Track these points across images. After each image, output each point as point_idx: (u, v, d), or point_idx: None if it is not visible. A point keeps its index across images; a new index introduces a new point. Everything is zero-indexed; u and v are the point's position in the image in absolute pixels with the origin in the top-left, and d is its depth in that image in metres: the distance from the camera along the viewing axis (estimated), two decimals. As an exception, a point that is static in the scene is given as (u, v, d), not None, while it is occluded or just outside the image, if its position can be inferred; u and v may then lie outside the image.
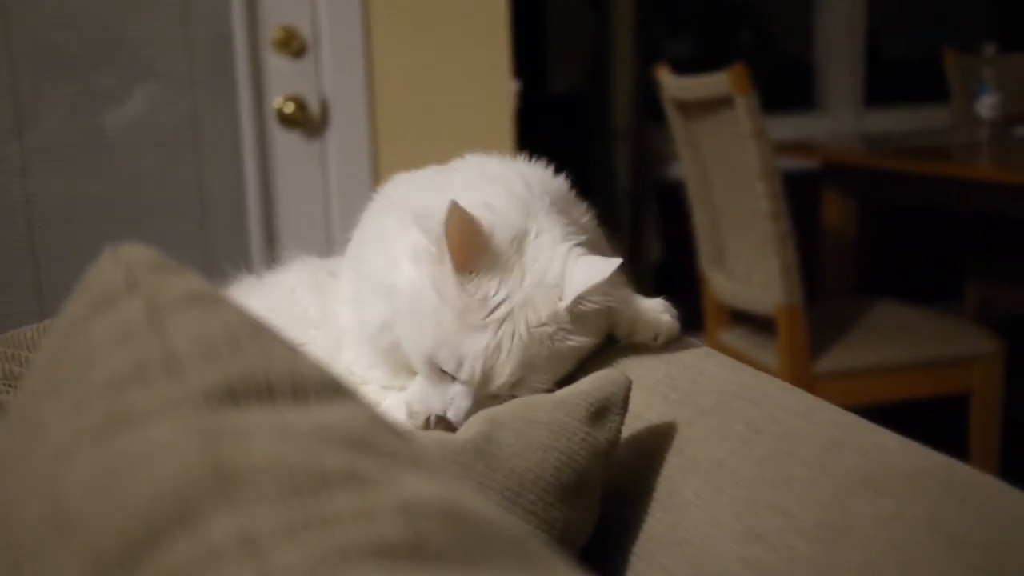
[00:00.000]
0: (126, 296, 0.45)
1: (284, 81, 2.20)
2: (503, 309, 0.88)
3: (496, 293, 0.88)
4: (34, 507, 0.38)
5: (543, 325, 0.89)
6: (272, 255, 1.17)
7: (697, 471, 0.78)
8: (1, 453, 0.44)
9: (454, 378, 0.90)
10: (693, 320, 1.46)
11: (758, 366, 1.03)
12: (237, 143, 2.22)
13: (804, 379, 2.25)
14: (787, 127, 3.51)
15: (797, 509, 0.68)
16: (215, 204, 2.27)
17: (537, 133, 2.36)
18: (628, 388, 0.81)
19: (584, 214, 1.03)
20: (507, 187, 0.95)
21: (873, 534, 0.62)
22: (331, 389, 0.43)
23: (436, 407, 0.91)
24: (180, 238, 2.24)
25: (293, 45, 2.18)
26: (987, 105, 2.90)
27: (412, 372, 0.97)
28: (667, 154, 3.32)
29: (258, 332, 0.44)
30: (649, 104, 3.19)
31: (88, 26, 2.17)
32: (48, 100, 2.19)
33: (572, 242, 0.92)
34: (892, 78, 4.05)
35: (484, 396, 0.90)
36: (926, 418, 1.95)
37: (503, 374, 0.89)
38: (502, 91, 2.27)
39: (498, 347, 0.88)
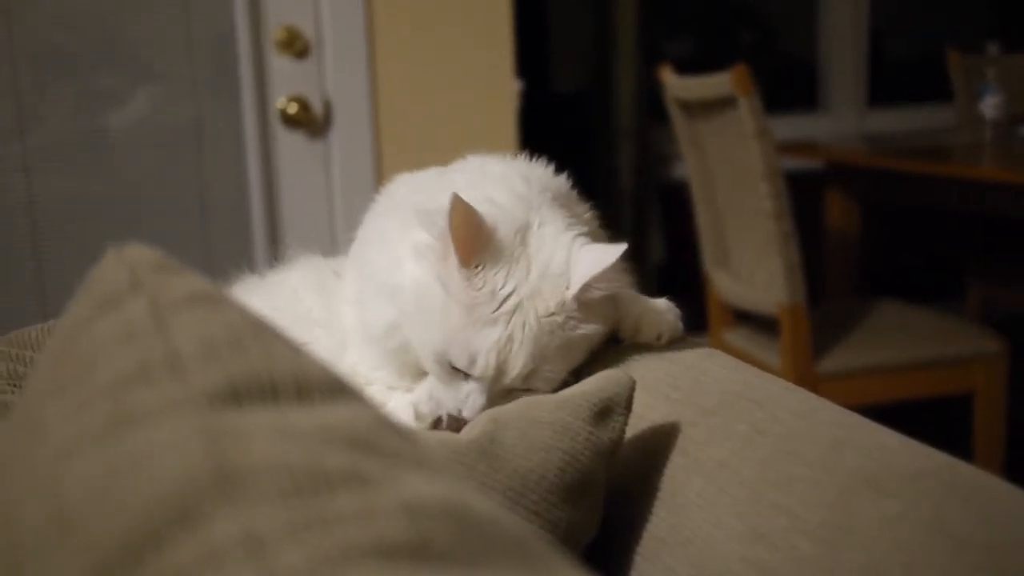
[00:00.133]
0: (129, 296, 0.45)
1: (287, 81, 2.21)
2: (512, 301, 0.88)
3: (504, 286, 0.88)
4: (35, 507, 0.38)
5: (552, 315, 0.89)
6: (275, 255, 1.17)
7: (700, 471, 0.78)
8: (3, 453, 0.44)
9: (466, 376, 0.90)
10: (696, 320, 1.46)
11: (761, 366, 1.02)
12: (240, 144, 2.22)
13: (807, 379, 2.25)
14: (790, 127, 3.51)
15: (800, 509, 0.68)
16: (218, 204, 2.27)
17: (540, 133, 2.35)
18: (632, 388, 0.81)
19: (585, 212, 1.03)
20: (509, 185, 0.95)
21: (876, 534, 0.62)
22: (334, 389, 0.43)
23: (450, 406, 0.91)
24: (183, 238, 2.24)
25: (296, 45, 2.19)
26: (990, 105, 2.90)
27: (418, 373, 0.97)
28: (670, 154, 3.32)
29: (261, 332, 0.44)
30: (652, 104, 3.19)
31: (90, 26, 2.17)
32: (50, 100, 2.19)
33: (575, 232, 0.92)
34: (895, 78, 4.05)
35: (497, 392, 0.90)
36: (929, 418, 1.94)
37: (516, 366, 0.88)
38: (505, 91, 2.27)
39: (510, 339, 0.88)
